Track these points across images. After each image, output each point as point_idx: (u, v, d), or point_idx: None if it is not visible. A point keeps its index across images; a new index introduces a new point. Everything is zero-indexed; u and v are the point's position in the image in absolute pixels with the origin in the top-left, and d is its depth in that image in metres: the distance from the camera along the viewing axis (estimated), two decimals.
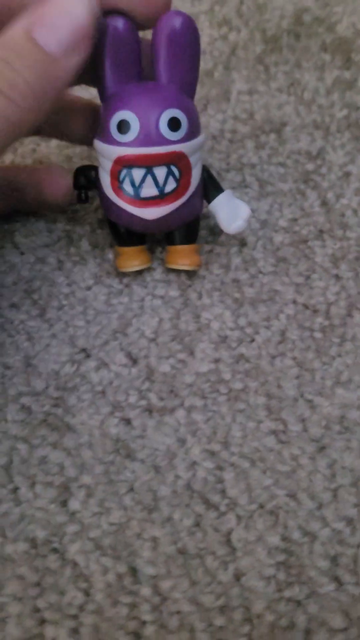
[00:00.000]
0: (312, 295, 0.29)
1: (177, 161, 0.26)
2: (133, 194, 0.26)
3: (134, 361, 0.27)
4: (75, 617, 0.21)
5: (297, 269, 0.30)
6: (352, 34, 0.41)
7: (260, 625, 0.21)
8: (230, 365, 0.27)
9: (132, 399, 0.26)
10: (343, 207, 0.32)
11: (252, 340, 0.27)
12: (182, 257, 0.29)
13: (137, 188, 0.26)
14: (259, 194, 0.33)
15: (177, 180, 0.26)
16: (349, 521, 0.23)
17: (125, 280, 0.30)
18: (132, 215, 0.27)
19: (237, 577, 0.22)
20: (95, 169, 0.28)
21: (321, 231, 0.31)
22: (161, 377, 0.27)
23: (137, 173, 0.26)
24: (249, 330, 0.28)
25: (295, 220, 0.31)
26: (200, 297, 0.29)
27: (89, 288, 0.30)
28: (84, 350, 0.28)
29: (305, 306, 0.28)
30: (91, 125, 0.30)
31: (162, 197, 0.26)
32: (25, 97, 0.23)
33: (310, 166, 0.34)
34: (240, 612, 0.21)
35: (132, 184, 0.26)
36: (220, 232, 0.31)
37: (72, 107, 0.30)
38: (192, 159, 0.27)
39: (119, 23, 0.24)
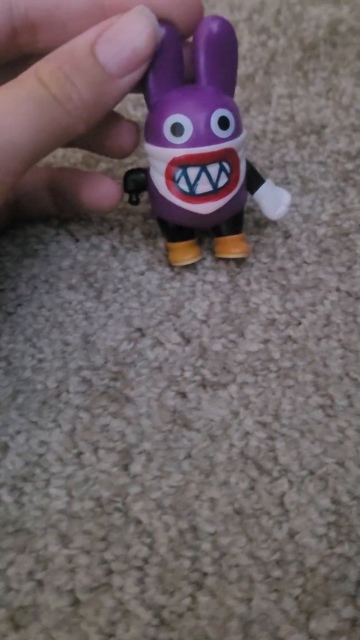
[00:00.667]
0: (354, 284, 0.30)
1: (228, 157, 0.28)
2: (189, 191, 0.28)
3: (187, 340, 0.29)
4: (140, 568, 0.23)
5: (339, 259, 0.31)
6: None
7: (314, 577, 0.22)
8: (279, 345, 0.29)
9: (187, 374, 0.28)
10: None
11: (299, 324, 0.29)
12: (232, 246, 0.31)
13: (192, 185, 0.28)
14: (301, 190, 0.35)
15: (228, 175, 0.28)
16: None
17: (176, 268, 0.32)
18: (185, 212, 0.29)
19: (291, 535, 0.23)
20: (144, 171, 0.30)
21: None
22: (214, 355, 0.28)
23: (192, 172, 0.28)
24: (295, 314, 0.30)
25: (336, 215, 0.33)
26: (248, 283, 0.31)
27: (142, 273, 0.32)
28: (139, 329, 0.30)
29: (348, 293, 0.30)
30: (132, 140, 0.30)
31: (215, 192, 0.28)
32: (77, 108, 0.24)
33: (349, 165, 0.36)
34: (295, 565, 0.23)
35: (187, 182, 0.28)
36: (266, 224, 0.33)
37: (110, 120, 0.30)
38: (239, 154, 0.28)
39: (164, 31, 0.26)
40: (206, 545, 0.23)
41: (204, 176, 0.28)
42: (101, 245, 0.33)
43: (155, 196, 0.29)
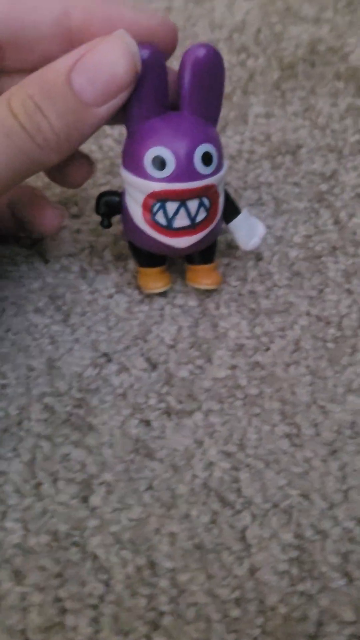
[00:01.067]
0: (325, 308, 0.30)
1: (209, 193, 0.27)
2: (166, 225, 0.27)
3: (154, 366, 0.28)
4: (95, 607, 0.22)
5: (310, 282, 0.31)
6: None
7: (274, 617, 0.22)
8: (247, 371, 0.28)
9: (152, 401, 0.27)
10: (355, 226, 0.33)
11: (268, 349, 0.29)
12: (203, 276, 0.30)
13: (170, 219, 0.27)
14: (274, 212, 0.34)
15: (207, 210, 0.27)
16: (359, 521, 0.24)
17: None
18: (161, 243, 0.28)
19: (252, 571, 0.23)
20: (118, 195, 0.28)
21: (334, 248, 0.32)
22: (180, 382, 0.28)
23: (171, 206, 0.26)
24: (264, 339, 0.29)
25: (309, 237, 0.33)
26: (217, 307, 0.30)
27: (110, 296, 0.31)
28: (105, 354, 0.29)
29: (319, 318, 0.30)
30: (84, 175, 0.29)
31: (193, 227, 0.27)
32: (47, 139, 0.23)
33: (324, 186, 0.35)
34: (255, 604, 0.22)
35: (165, 215, 0.27)
36: (237, 247, 0.32)
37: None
38: (219, 188, 0.28)
39: (146, 53, 0.24)
40: (164, 582, 0.23)
41: (182, 211, 0.27)
42: (71, 267, 0.32)
43: (129, 223, 0.28)
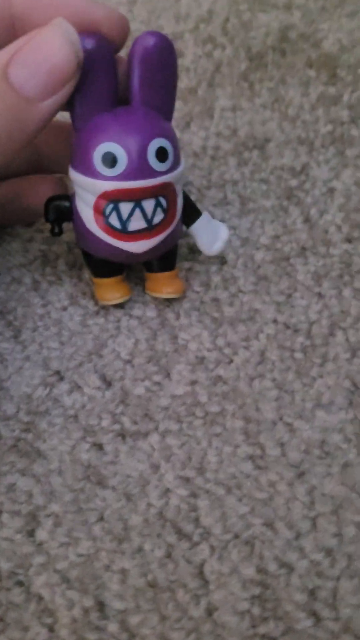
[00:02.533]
0: (293, 314, 0.28)
1: (165, 192, 0.25)
2: (120, 228, 0.25)
3: (108, 384, 0.26)
4: None
5: (278, 287, 0.29)
6: (337, 50, 0.40)
7: None
8: (207, 387, 0.26)
9: (105, 423, 0.25)
10: (327, 224, 0.31)
11: (231, 362, 0.27)
12: (164, 284, 0.28)
13: (124, 222, 0.25)
14: (240, 212, 0.32)
15: (164, 211, 0.25)
16: (328, 552, 0.21)
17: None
18: (115, 249, 0.26)
19: (210, 611, 0.21)
20: (68, 198, 0.26)
21: (304, 248, 0.30)
22: (135, 400, 0.26)
23: (125, 207, 0.25)
24: (227, 351, 0.27)
25: (277, 237, 0.31)
26: (178, 317, 0.28)
27: (64, 309, 0.29)
28: (57, 372, 0.27)
29: (286, 325, 0.27)
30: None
31: (150, 230, 0.25)
32: None
33: (293, 182, 0.33)
34: None
35: (119, 217, 0.25)
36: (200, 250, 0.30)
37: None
38: (177, 187, 0.26)
39: (91, 43, 0.23)
40: (113, 626, 0.20)
41: (137, 212, 0.25)
42: (22, 279, 0.30)
43: (80, 229, 0.26)
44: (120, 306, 0.29)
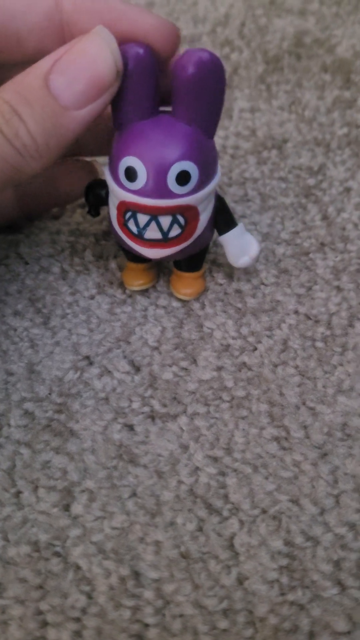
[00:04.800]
0: (313, 306, 0.29)
1: (184, 211, 0.25)
2: (137, 234, 0.26)
3: (137, 369, 0.27)
4: (77, 619, 0.21)
5: (298, 280, 0.30)
6: (351, 56, 0.42)
7: (264, 628, 0.21)
8: (233, 373, 0.27)
9: (135, 405, 0.26)
10: (344, 221, 0.32)
11: (255, 349, 0.28)
12: (185, 285, 0.29)
13: (140, 230, 0.25)
14: (260, 208, 0.33)
15: (182, 227, 0.25)
16: (352, 526, 0.23)
17: (128, 291, 0.30)
18: (134, 249, 0.27)
19: (240, 580, 0.22)
20: (106, 187, 0.27)
21: (322, 244, 0.31)
22: (164, 385, 0.27)
23: (142, 217, 0.25)
24: (251, 339, 0.28)
25: (296, 233, 0.32)
26: (202, 307, 0.29)
27: (92, 297, 0.30)
28: (87, 357, 0.28)
29: (307, 316, 0.29)
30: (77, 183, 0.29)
31: (165, 241, 0.26)
32: (26, 145, 0.22)
33: (311, 181, 0.34)
34: (244, 615, 0.21)
35: (137, 225, 0.25)
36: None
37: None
38: (201, 207, 0.25)
39: (140, 50, 0.23)
40: (149, 594, 0.22)
41: (153, 224, 0.25)
42: (51, 268, 0.31)
43: (110, 221, 0.27)
44: (146, 295, 0.30)
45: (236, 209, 0.33)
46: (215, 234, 0.28)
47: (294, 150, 0.36)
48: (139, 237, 0.26)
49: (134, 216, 0.25)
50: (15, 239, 0.32)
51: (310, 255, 0.31)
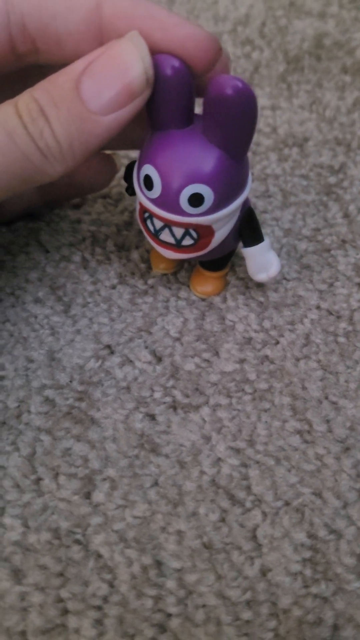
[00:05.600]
0: (335, 302, 0.29)
1: (197, 229, 0.25)
2: (153, 233, 0.26)
3: (159, 359, 0.27)
4: (99, 608, 0.21)
5: (320, 276, 0.30)
6: None
7: (287, 620, 0.21)
8: (255, 365, 0.27)
9: (157, 395, 0.26)
10: None
11: (277, 343, 0.28)
12: (203, 283, 0.29)
13: (156, 231, 0.25)
14: (282, 204, 0.33)
15: (194, 240, 0.25)
16: None
17: (150, 282, 0.30)
18: (152, 245, 0.27)
19: (264, 572, 0.22)
20: None
21: (344, 241, 0.31)
22: (186, 375, 0.27)
23: (157, 222, 0.25)
24: (273, 333, 0.28)
25: (318, 230, 0.32)
26: (224, 300, 0.29)
27: (113, 287, 0.30)
28: (108, 346, 0.28)
29: (329, 312, 0.29)
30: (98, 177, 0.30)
31: (178, 247, 0.26)
32: (49, 147, 0.22)
33: (332, 179, 0.34)
34: (267, 606, 0.21)
35: (153, 226, 0.25)
36: None
37: None
38: (215, 226, 0.25)
39: (175, 62, 0.22)
40: (171, 583, 0.21)
41: (167, 230, 0.25)
42: (72, 257, 0.31)
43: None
44: (168, 287, 0.30)
45: (258, 204, 0.33)
46: None
47: (314, 148, 0.36)
48: (155, 237, 0.26)
49: (150, 218, 0.25)
50: (36, 227, 0.32)
51: (332, 252, 0.31)
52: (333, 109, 0.38)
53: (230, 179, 0.24)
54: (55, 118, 0.21)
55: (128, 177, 0.28)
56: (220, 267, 0.29)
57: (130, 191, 0.28)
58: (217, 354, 0.27)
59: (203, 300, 0.29)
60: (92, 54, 0.22)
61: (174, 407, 0.26)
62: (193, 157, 0.23)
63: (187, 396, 0.26)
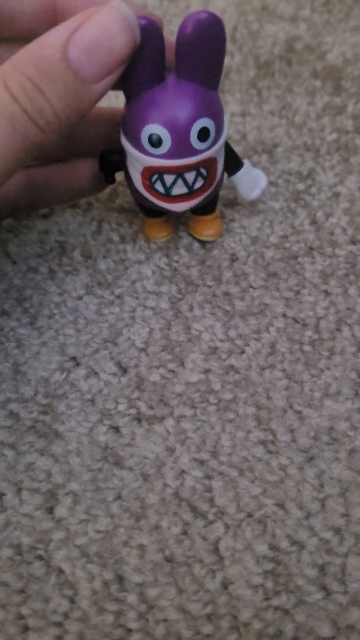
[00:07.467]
0: (301, 310, 0.29)
1: (206, 165, 0.27)
2: (164, 193, 0.27)
3: (124, 370, 0.27)
4: (60, 624, 0.21)
5: (287, 283, 0.30)
6: (342, 63, 0.42)
7: (248, 633, 0.20)
8: (220, 375, 0.27)
9: (122, 407, 0.26)
10: (332, 226, 0.32)
11: (242, 352, 0.28)
12: (205, 228, 0.31)
13: (168, 189, 0.27)
14: (250, 212, 0.33)
15: (204, 178, 0.27)
16: (337, 531, 0.22)
17: (117, 291, 0.30)
18: (160, 206, 0.28)
19: (225, 585, 0.22)
20: (119, 152, 0.28)
21: (311, 248, 0.31)
22: (151, 386, 0.27)
23: (169, 178, 0.27)
24: (239, 342, 0.28)
25: (285, 237, 0.32)
26: (191, 309, 0.29)
27: (80, 298, 0.30)
28: (73, 358, 0.28)
29: (295, 320, 0.29)
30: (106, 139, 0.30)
31: (191, 194, 0.28)
32: (49, 123, 0.22)
33: (300, 186, 0.34)
34: (228, 620, 0.21)
35: (164, 185, 0.27)
36: (212, 247, 0.31)
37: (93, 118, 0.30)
38: (218, 156, 0.28)
39: (142, 22, 0.23)
40: (132, 598, 0.21)
41: (180, 181, 0.27)
42: (39, 268, 0.31)
43: (131, 184, 0.29)
44: (135, 296, 0.30)
45: (225, 212, 0.33)
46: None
47: (284, 154, 0.36)
48: (167, 195, 0.27)
49: (160, 178, 0.27)
50: (3, 238, 0.32)
51: (299, 259, 0.31)
52: (303, 114, 0.38)
53: (218, 108, 0.26)
54: (53, 93, 0.21)
55: (104, 167, 0.30)
56: (213, 209, 0.31)
57: (110, 179, 0.30)
58: (182, 364, 0.27)
59: (170, 308, 0.29)
60: (71, 22, 0.21)
61: (138, 419, 0.26)
62: (185, 99, 0.25)
63: (151, 408, 0.26)
